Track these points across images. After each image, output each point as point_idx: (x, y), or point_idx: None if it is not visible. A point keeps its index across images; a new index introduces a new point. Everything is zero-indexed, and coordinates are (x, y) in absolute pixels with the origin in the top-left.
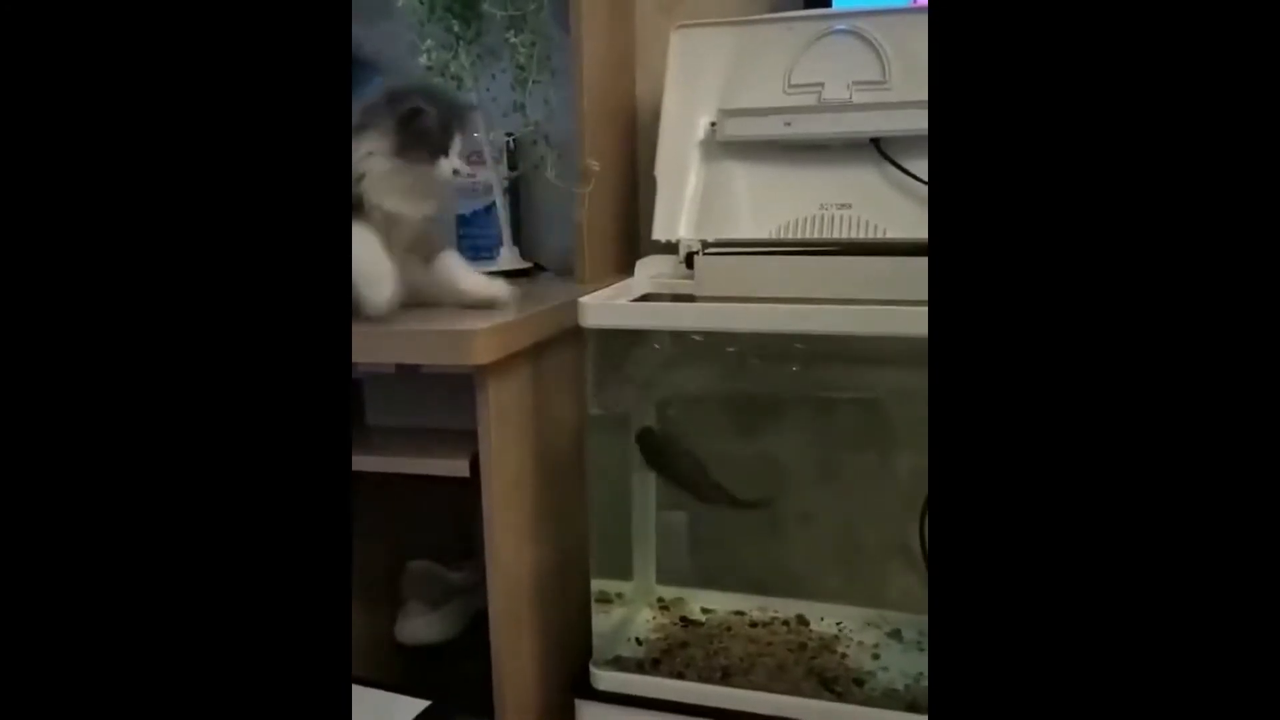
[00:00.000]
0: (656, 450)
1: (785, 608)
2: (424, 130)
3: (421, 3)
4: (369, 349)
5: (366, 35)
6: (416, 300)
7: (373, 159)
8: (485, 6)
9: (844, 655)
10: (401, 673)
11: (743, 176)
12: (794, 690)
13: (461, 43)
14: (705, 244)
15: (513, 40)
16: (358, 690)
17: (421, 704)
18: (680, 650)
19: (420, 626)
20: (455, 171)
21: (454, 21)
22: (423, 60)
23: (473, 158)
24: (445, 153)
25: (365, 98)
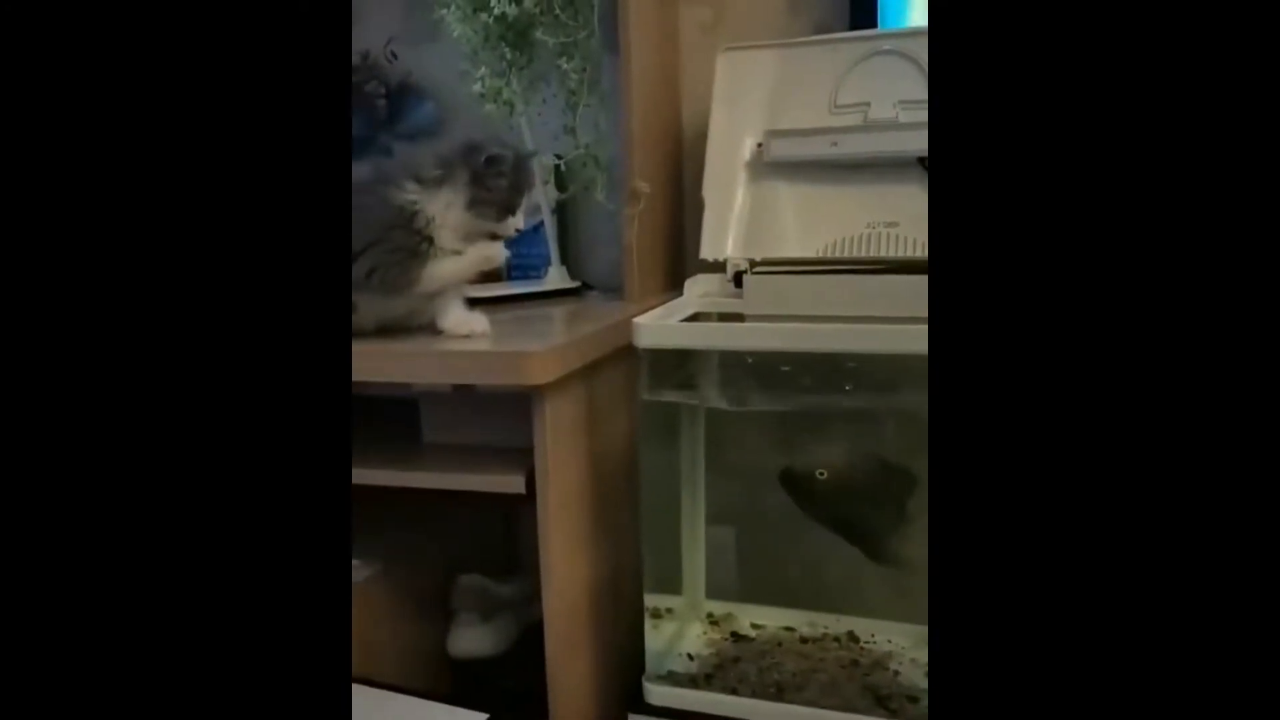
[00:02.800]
0: (808, 494)
1: (835, 624)
2: (496, 190)
3: (475, 32)
4: (430, 369)
5: (416, 60)
6: (405, 325)
7: (450, 210)
8: (537, 34)
9: (897, 673)
10: (452, 684)
11: (789, 196)
12: (848, 707)
13: (513, 69)
14: (753, 263)
15: (563, 66)
16: (415, 703)
17: (480, 717)
18: (733, 666)
19: (471, 639)
20: (518, 230)
21: (506, 49)
22: (476, 88)
23: None
24: (513, 212)
25: (443, 148)
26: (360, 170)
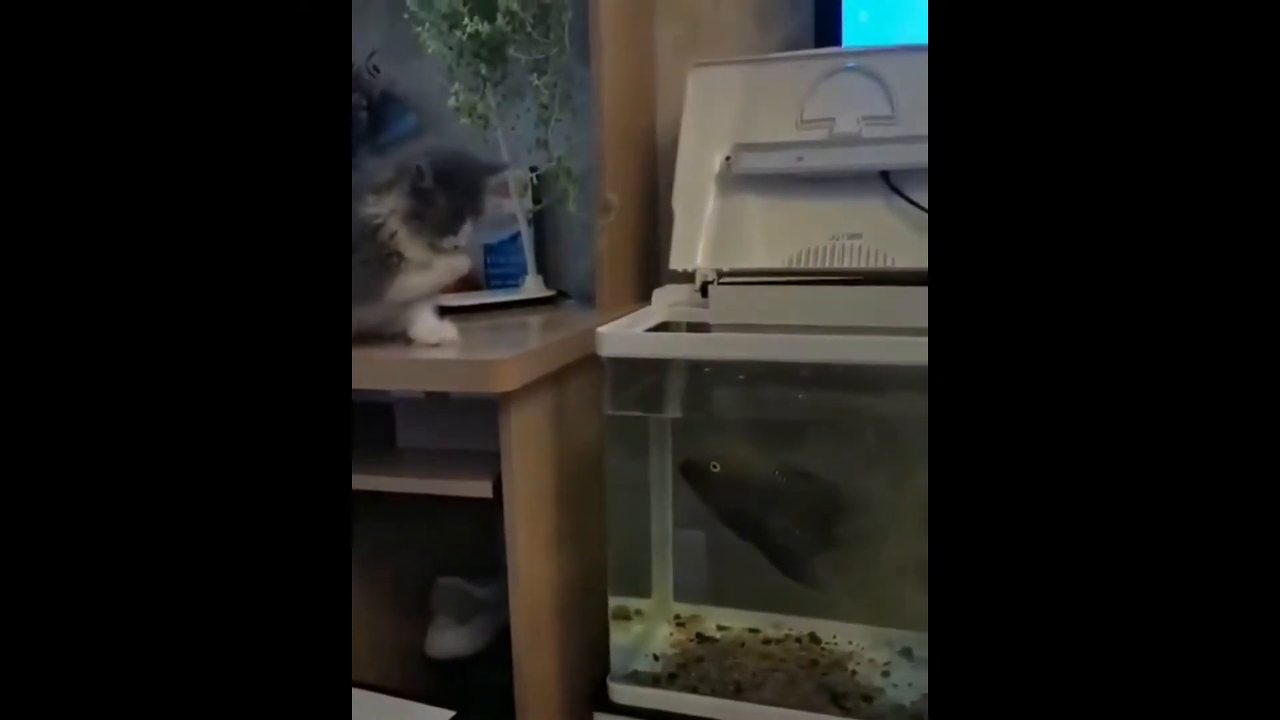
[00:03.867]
0: (704, 485)
1: (799, 626)
2: (435, 212)
3: (450, 48)
4: (400, 377)
5: (398, 73)
6: (379, 334)
7: (393, 216)
8: (511, 51)
9: (854, 672)
10: (430, 684)
11: (757, 208)
12: (804, 705)
13: (488, 84)
14: (720, 273)
15: (536, 82)
16: (385, 700)
17: (446, 714)
18: (695, 665)
19: (448, 640)
20: (456, 247)
21: (481, 65)
22: (451, 102)
23: (499, 189)
24: (454, 232)
25: (403, 153)
26: None
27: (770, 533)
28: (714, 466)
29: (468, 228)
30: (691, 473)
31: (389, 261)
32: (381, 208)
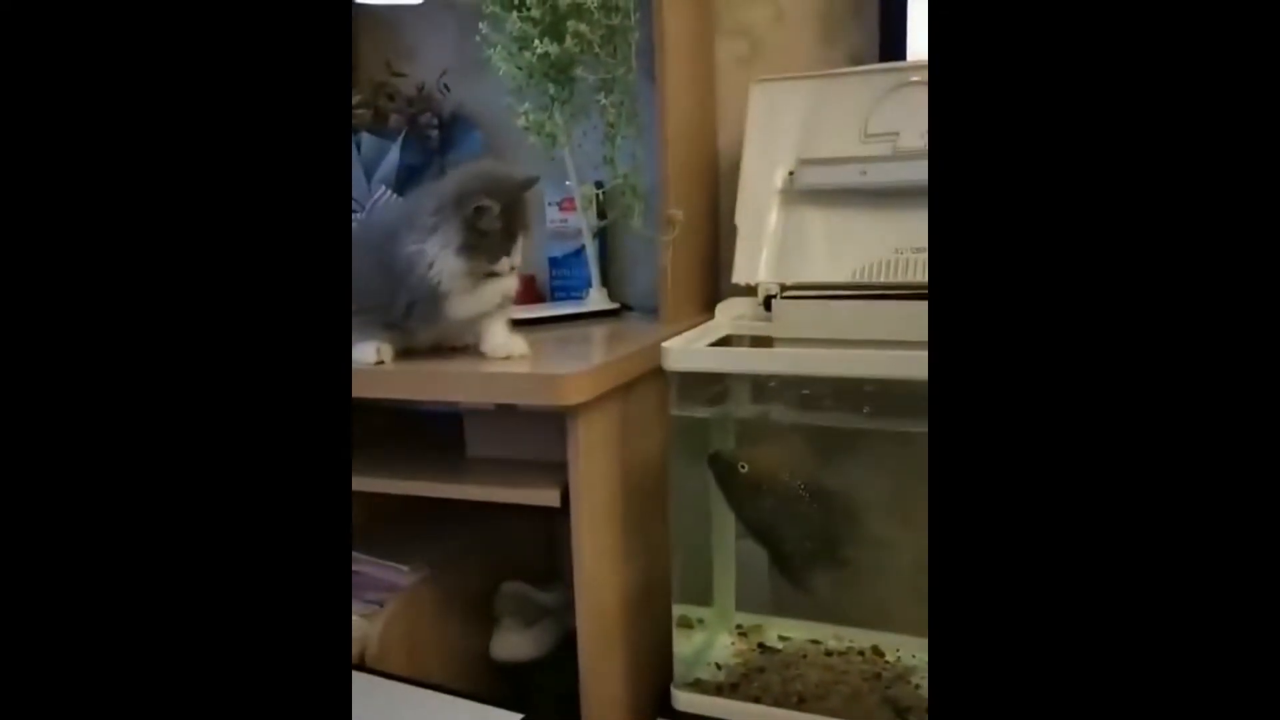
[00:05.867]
0: (729, 481)
1: (861, 638)
2: (487, 234)
3: (520, 69)
4: (471, 389)
5: (467, 91)
6: (450, 345)
7: (444, 254)
8: (578, 71)
9: (918, 685)
10: (495, 687)
11: (820, 222)
12: (867, 718)
13: (556, 104)
14: (783, 287)
15: (603, 101)
16: (454, 702)
17: (514, 717)
18: (758, 675)
19: (513, 644)
20: (513, 267)
21: (550, 85)
22: (520, 122)
23: (565, 204)
24: (508, 253)
25: (440, 194)
26: (387, 215)
27: (783, 540)
28: (742, 467)
29: (519, 246)
30: (718, 466)
31: (436, 291)
32: (432, 245)
